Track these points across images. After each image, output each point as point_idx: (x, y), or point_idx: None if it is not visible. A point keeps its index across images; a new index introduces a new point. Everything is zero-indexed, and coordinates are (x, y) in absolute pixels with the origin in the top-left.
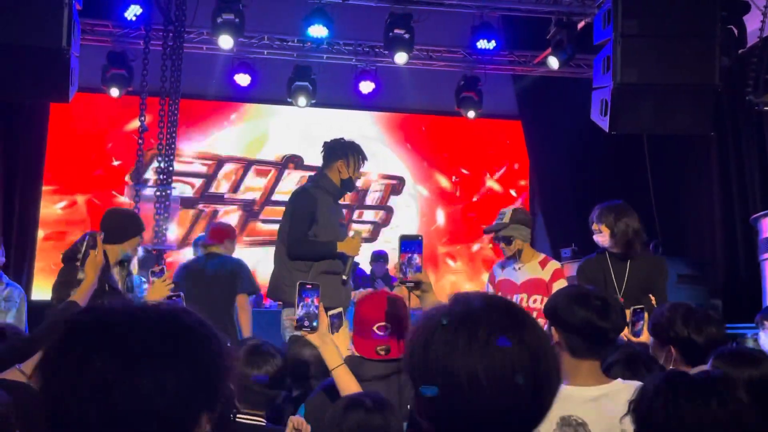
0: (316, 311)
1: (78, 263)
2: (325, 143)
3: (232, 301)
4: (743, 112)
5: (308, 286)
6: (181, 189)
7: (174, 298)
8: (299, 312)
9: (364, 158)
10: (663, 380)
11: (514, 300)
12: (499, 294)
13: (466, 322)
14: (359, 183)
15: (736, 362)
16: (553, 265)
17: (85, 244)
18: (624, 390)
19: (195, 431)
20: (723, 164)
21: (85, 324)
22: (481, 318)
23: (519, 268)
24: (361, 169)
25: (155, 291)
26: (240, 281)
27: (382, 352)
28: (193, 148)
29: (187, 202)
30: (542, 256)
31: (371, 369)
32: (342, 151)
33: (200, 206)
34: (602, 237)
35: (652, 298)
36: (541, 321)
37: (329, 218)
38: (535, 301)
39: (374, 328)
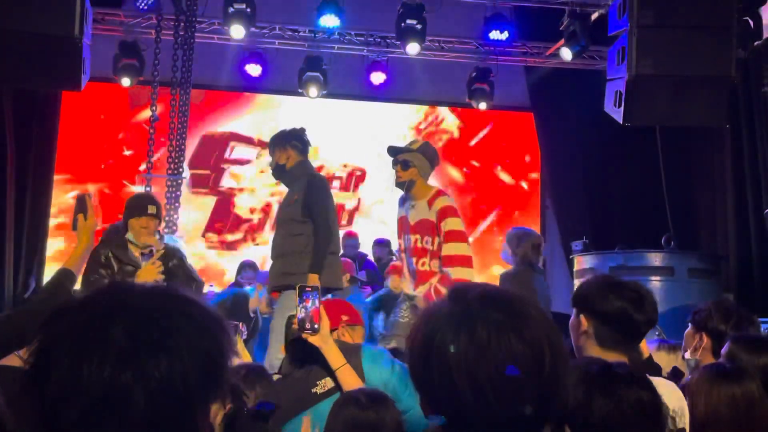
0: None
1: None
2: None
3: None
4: (758, 104)
5: (308, 289)
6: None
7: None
8: (300, 314)
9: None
10: (581, 369)
11: (408, 240)
12: (399, 232)
13: (465, 324)
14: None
15: (753, 348)
16: (440, 202)
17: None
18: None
19: (203, 418)
20: (736, 157)
21: (107, 296)
22: (479, 317)
23: (413, 206)
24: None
25: (145, 274)
26: None
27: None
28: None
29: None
30: (433, 191)
31: None
32: None
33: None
34: None
35: None
36: (434, 279)
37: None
38: (427, 242)
39: None
